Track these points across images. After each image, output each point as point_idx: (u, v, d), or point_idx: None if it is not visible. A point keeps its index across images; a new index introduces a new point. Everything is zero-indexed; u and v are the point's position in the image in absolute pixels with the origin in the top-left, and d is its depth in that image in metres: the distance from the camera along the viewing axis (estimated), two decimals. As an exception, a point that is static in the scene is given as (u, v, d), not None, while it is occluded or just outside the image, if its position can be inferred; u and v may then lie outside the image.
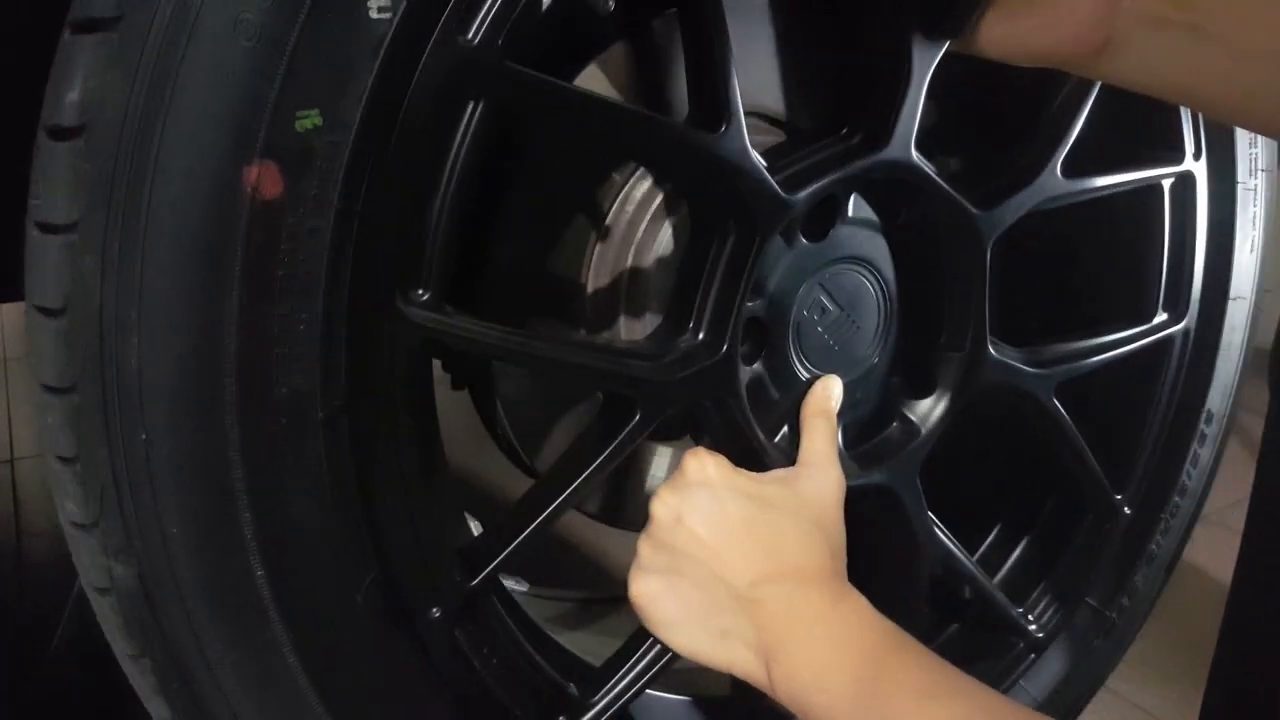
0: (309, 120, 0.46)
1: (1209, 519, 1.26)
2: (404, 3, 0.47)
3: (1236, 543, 0.64)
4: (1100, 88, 0.81)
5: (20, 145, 0.48)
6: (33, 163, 0.48)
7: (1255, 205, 0.94)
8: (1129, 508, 0.96)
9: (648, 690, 0.70)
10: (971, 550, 1.00)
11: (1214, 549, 1.35)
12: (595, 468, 0.62)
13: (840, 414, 0.79)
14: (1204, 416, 0.97)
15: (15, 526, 1.25)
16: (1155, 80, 0.60)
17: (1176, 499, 0.98)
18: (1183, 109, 0.87)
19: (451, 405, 0.77)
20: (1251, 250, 0.95)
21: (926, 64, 0.69)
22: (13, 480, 1.35)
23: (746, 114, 0.75)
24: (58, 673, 1.02)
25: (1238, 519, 0.65)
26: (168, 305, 0.45)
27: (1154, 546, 0.98)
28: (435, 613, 0.58)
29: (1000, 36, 0.63)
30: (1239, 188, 0.92)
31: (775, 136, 0.76)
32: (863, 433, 0.81)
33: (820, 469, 0.66)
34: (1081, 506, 0.96)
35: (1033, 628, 0.94)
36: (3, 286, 0.61)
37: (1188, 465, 0.98)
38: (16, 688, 1.01)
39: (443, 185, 0.53)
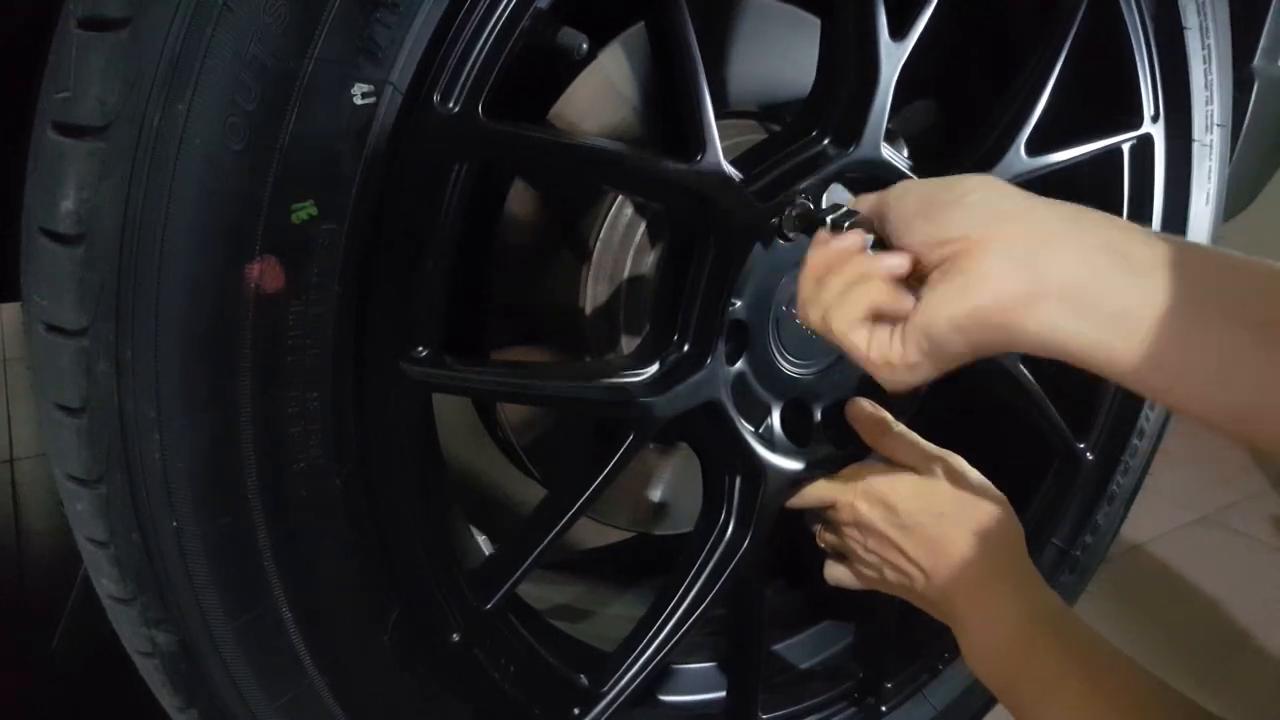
0: (304, 211, 0.47)
1: (1209, 519, 1.30)
2: (387, 85, 0.48)
3: (1236, 543, 0.65)
4: (1061, 63, 0.82)
5: (17, 146, 0.48)
6: (25, 258, 0.49)
7: (1211, 160, 0.96)
8: (1090, 454, 1.01)
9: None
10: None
11: (1214, 549, 1.34)
12: (595, 489, 0.65)
13: (819, 397, 0.83)
14: (1161, 363, 1.02)
15: (15, 526, 1.25)
16: None
17: (1135, 441, 1.03)
18: (1140, 73, 0.89)
19: (452, 406, 0.79)
20: (1207, 202, 0.98)
21: (894, 65, 0.70)
22: (13, 480, 1.34)
23: (726, 116, 0.76)
24: (58, 673, 1.02)
25: (1238, 519, 0.66)
26: (184, 402, 0.47)
27: (1114, 487, 1.04)
28: (455, 637, 0.62)
29: None
30: (1195, 144, 0.94)
31: (753, 134, 0.77)
32: (840, 413, 0.85)
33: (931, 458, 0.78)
34: (1046, 455, 1.01)
35: (1003, 571, 1.00)
36: (3, 286, 0.61)
37: (1145, 409, 1.03)
38: (17, 687, 1.01)
39: (435, 246, 0.54)
